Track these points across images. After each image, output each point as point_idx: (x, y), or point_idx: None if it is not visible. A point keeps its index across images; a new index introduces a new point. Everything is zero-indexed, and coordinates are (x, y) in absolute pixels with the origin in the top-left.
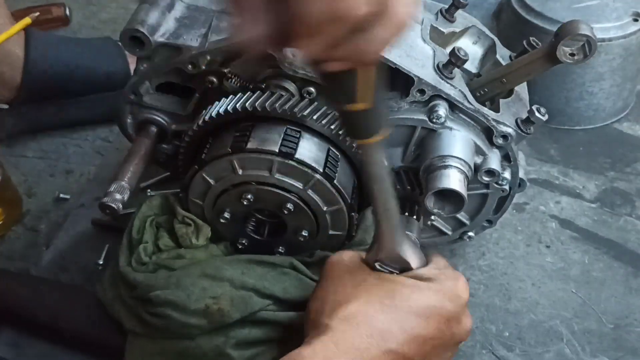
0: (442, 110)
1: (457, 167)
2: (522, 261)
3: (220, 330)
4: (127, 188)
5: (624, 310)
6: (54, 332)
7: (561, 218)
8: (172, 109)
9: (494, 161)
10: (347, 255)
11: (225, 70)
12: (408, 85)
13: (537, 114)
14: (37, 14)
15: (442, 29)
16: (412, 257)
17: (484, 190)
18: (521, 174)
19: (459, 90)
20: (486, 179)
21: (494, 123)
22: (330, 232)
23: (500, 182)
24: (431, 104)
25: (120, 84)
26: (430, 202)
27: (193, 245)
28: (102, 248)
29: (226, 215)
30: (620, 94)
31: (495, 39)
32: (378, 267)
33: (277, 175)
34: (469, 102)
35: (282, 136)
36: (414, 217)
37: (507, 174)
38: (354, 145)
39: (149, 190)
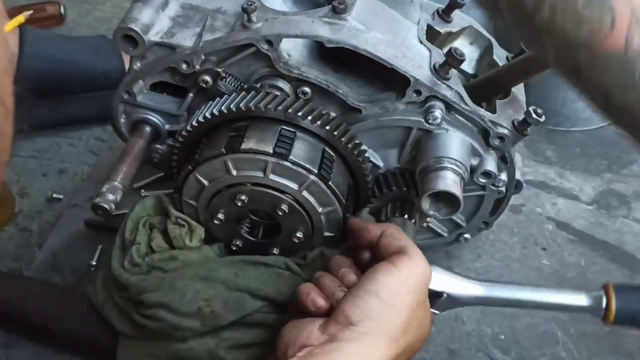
0: (438, 111)
1: (453, 169)
2: (519, 263)
3: (213, 333)
4: (119, 188)
5: None
6: (46, 333)
7: (558, 220)
8: (166, 108)
9: (491, 163)
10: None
11: (220, 70)
12: (404, 86)
13: (534, 115)
14: (31, 12)
15: (438, 29)
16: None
17: (480, 192)
18: (518, 176)
19: (456, 91)
20: (482, 180)
21: (490, 124)
22: (325, 233)
23: (496, 183)
24: (427, 105)
25: (115, 82)
26: (426, 204)
27: (186, 246)
28: (95, 249)
29: (220, 216)
30: None
31: (492, 39)
32: None
33: (272, 176)
34: (465, 103)
35: (276, 137)
36: (410, 219)
37: (503, 176)
38: (349, 145)
39: (142, 191)
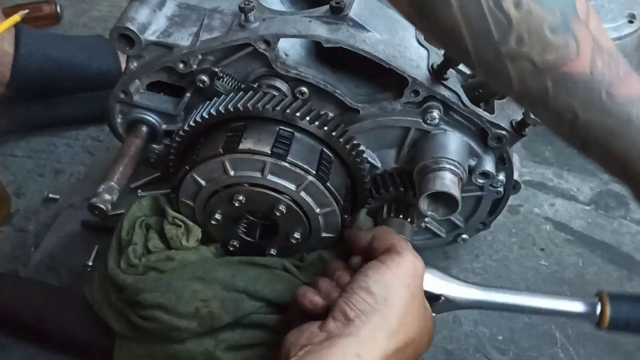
0: (436, 111)
1: (451, 170)
2: (516, 264)
3: (210, 334)
4: (116, 189)
5: None
6: (41, 334)
7: (555, 220)
8: (163, 108)
9: (489, 163)
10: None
11: (217, 70)
12: (402, 86)
13: (532, 115)
14: (27, 11)
15: None
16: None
17: (478, 193)
18: (516, 176)
19: (454, 91)
20: (480, 181)
21: (488, 125)
22: (323, 234)
23: (494, 184)
24: (425, 105)
25: (112, 82)
26: (424, 205)
27: (183, 247)
28: (92, 249)
29: (217, 216)
30: None
31: None
32: None
33: (270, 177)
34: (463, 103)
35: (274, 137)
36: (408, 219)
37: (501, 176)
38: (347, 146)
39: (139, 191)
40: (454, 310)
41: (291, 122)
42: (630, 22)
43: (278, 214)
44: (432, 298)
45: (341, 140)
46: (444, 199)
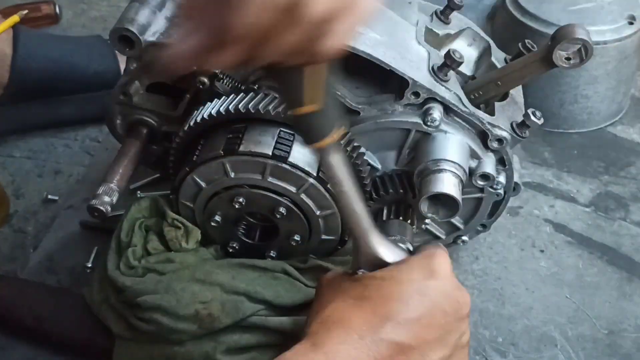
0: (436, 113)
1: (451, 171)
2: (516, 266)
3: (210, 336)
4: (115, 190)
5: (618, 316)
6: (40, 336)
7: (555, 222)
8: (163, 109)
9: (489, 165)
10: (330, 274)
11: (217, 71)
12: (402, 88)
13: (532, 117)
14: (26, 11)
15: (437, 31)
16: (388, 254)
17: (479, 195)
18: (516, 178)
19: (454, 93)
20: (481, 183)
21: (489, 126)
22: (323, 236)
23: (495, 186)
24: (426, 107)
25: (111, 83)
26: (424, 207)
27: (183, 248)
28: (91, 250)
29: (217, 218)
30: (615, 98)
31: (491, 41)
32: (360, 273)
33: (270, 179)
34: (464, 105)
35: (275, 139)
36: (408, 221)
37: (501, 178)
38: (348, 148)
39: (138, 192)
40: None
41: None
42: (630, 23)
43: (278, 216)
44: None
45: (342, 142)
46: (444, 201)
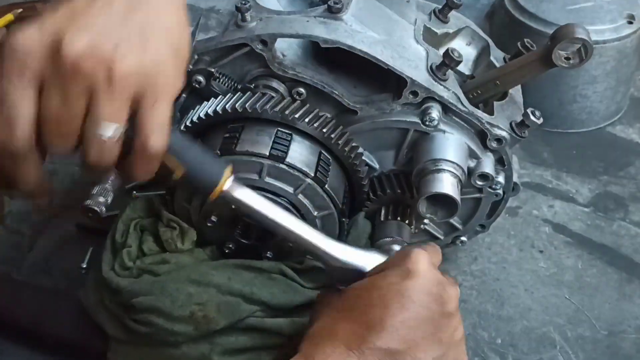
0: (435, 112)
1: (450, 171)
2: (515, 266)
3: (206, 338)
4: (110, 190)
5: (617, 317)
6: (35, 338)
7: (554, 222)
8: None
9: (488, 165)
10: (324, 291)
11: (213, 70)
12: (400, 87)
13: (532, 117)
14: (20, 10)
15: (435, 30)
16: (361, 262)
17: (477, 195)
18: (515, 178)
19: (453, 92)
20: (480, 183)
21: (488, 126)
22: None
23: (494, 186)
24: (424, 106)
25: None
26: (422, 207)
27: (178, 249)
28: (86, 251)
29: (213, 218)
30: (614, 97)
31: (489, 40)
32: (341, 288)
33: (267, 179)
34: (462, 104)
35: (272, 139)
36: (406, 221)
37: (500, 178)
38: (346, 148)
39: (134, 193)
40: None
41: (290, 124)
42: (630, 22)
43: None
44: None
45: (340, 142)
46: (443, 201)
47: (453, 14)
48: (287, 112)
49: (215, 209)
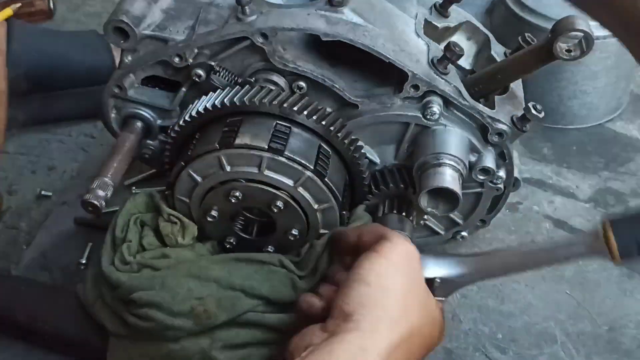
0: (436, 106)
1: (451, 165)
2: None
3: (206, 333)
4: (110, 185)
5: (618, 312)
6: (34, 334)
7: (555, 218)
8: (158, 103)
9: (489, 159)
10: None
11: (213, 64)
12: (401, 81)
13: (533, 111)
14: (19, 4)
15: (436, 24)
16: None
17: (478, 189)
18: (515, 173)
19: (454, 86)
20: (481, 177)
21: (489, 120)
22: (321, 230)
23: (495, 180)
24: (425, 100)
25: (105, 78)
26: (424, 201)
27: (179, 244)
28: (85, 247)
29: (213, 213)
30: (614, 93)
31: (490, 34)
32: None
33: (267, 172)
34: (464, 98)
35: (271, 132)
36: (407, 216)
37: (502, 173)
38: (346, 141)
39: (133, 188)
40: (457, 289)
41: (289, 117)
42: None
43: (275, 210)
44: (427, 283)
45: (339, 135)
46: (444, 196)
47: (453, 8)
48: (285, 105)
49: (214, 204)
